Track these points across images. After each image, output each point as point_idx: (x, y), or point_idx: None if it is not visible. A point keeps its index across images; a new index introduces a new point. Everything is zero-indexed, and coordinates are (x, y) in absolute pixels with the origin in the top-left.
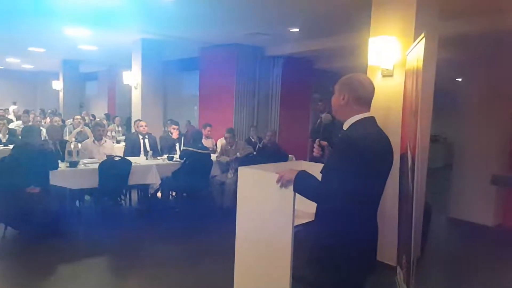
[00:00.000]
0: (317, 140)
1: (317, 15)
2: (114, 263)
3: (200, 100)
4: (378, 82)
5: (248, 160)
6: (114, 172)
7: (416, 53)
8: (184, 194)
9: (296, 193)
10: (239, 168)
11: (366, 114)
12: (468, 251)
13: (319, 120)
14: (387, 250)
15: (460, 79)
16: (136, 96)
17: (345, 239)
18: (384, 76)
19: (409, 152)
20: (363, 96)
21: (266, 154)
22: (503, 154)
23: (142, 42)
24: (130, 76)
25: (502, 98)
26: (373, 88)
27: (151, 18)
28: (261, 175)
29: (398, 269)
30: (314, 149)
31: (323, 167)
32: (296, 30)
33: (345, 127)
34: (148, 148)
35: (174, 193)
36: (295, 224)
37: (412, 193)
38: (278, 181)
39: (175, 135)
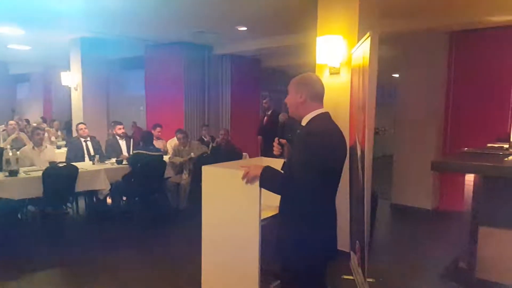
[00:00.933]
0: (276, 138)
1: (265, 14)
2: (65, 275)
3: (147, 100)
4: (326, 79)
5: (202, 160)
6: (60, 179)
7: (361, 51)
8: (136, 198)
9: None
10: (203, 167)
11: (322, 110)
12: (411, 233)
13: (265, 118)
14: (340, 237)
15: (397, 75)
16: (76, 98)
17: (309, 229)
18: (331, 73)
19: (358, 144)
20: (318, 93)
21: (221, 153)
22: (438, 142)
23: (81, 41)
24: (69, 77)
25: (435, 92)
26: (323, 85)
27: (90, 16)
28: (226, 173)
29: (352, 254)
30: (274, 148)
31: (286, 163)
32: (244, 28)
33: (303, 123)
34: (92, 152)
35: (125, 198)
36: (261, 218)
37: (363, 181)
38: (244, 178)
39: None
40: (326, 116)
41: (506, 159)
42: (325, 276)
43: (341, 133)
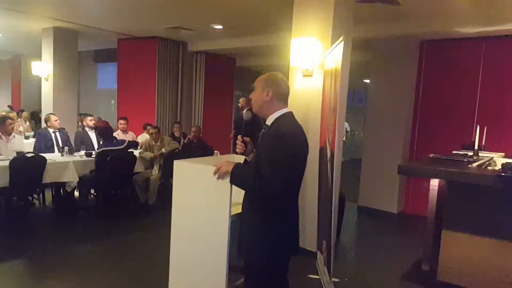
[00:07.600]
0: (240, 136)
1: (241, 14)
2: (28, 267)
3: (119, 94)
4: (299, 81)
5: (173, 156)
6: (27, 169)
7: (334, 55)
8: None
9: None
10: (175, 161)
11: (287, 109)
12: (376, 235)
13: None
14: (308, 236)
15: (368, 80)
16: (47, 88)
17: (273, 226)
18: (304, 76)
19: (328, 145)
20: (284, 92)
21: (192, 149)
22: (405, 147)
23: (54, 30)
24: (40, 66)
25: (404, 98)
26: (288, 86)
27: (64, 5)
28: (197, 168)
29: (318, 254)
30: (237, 146)
31: (252, 160)
32: (220, 27)
33: (269, 122)
34: (60, 143)
35: (93, 191)
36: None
37: (332, 182)
38: (215, 173)
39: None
40: (291, 115)
41: (470, 166)
42: (287, 272)
43: (304, 132)
